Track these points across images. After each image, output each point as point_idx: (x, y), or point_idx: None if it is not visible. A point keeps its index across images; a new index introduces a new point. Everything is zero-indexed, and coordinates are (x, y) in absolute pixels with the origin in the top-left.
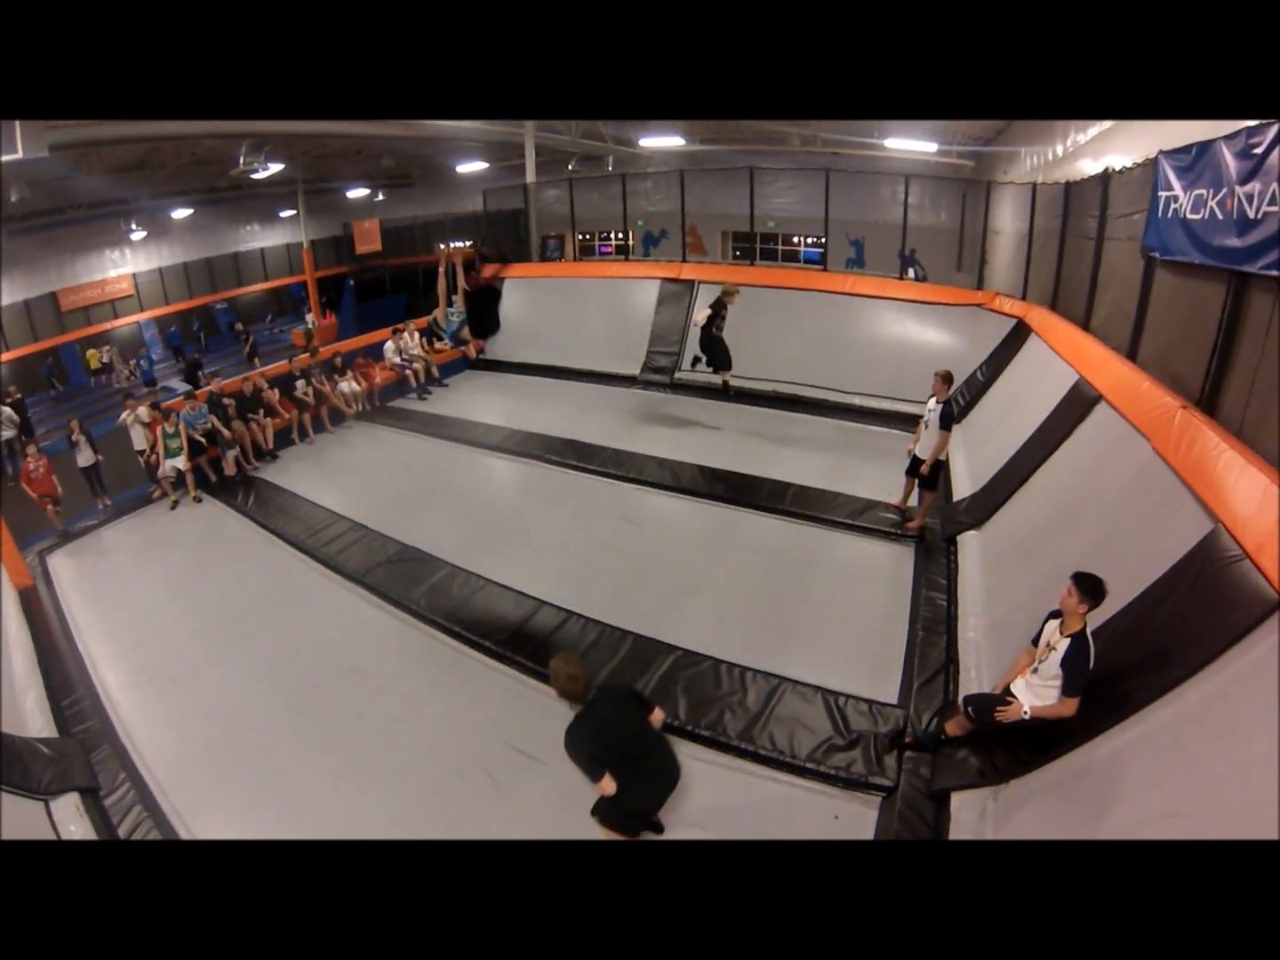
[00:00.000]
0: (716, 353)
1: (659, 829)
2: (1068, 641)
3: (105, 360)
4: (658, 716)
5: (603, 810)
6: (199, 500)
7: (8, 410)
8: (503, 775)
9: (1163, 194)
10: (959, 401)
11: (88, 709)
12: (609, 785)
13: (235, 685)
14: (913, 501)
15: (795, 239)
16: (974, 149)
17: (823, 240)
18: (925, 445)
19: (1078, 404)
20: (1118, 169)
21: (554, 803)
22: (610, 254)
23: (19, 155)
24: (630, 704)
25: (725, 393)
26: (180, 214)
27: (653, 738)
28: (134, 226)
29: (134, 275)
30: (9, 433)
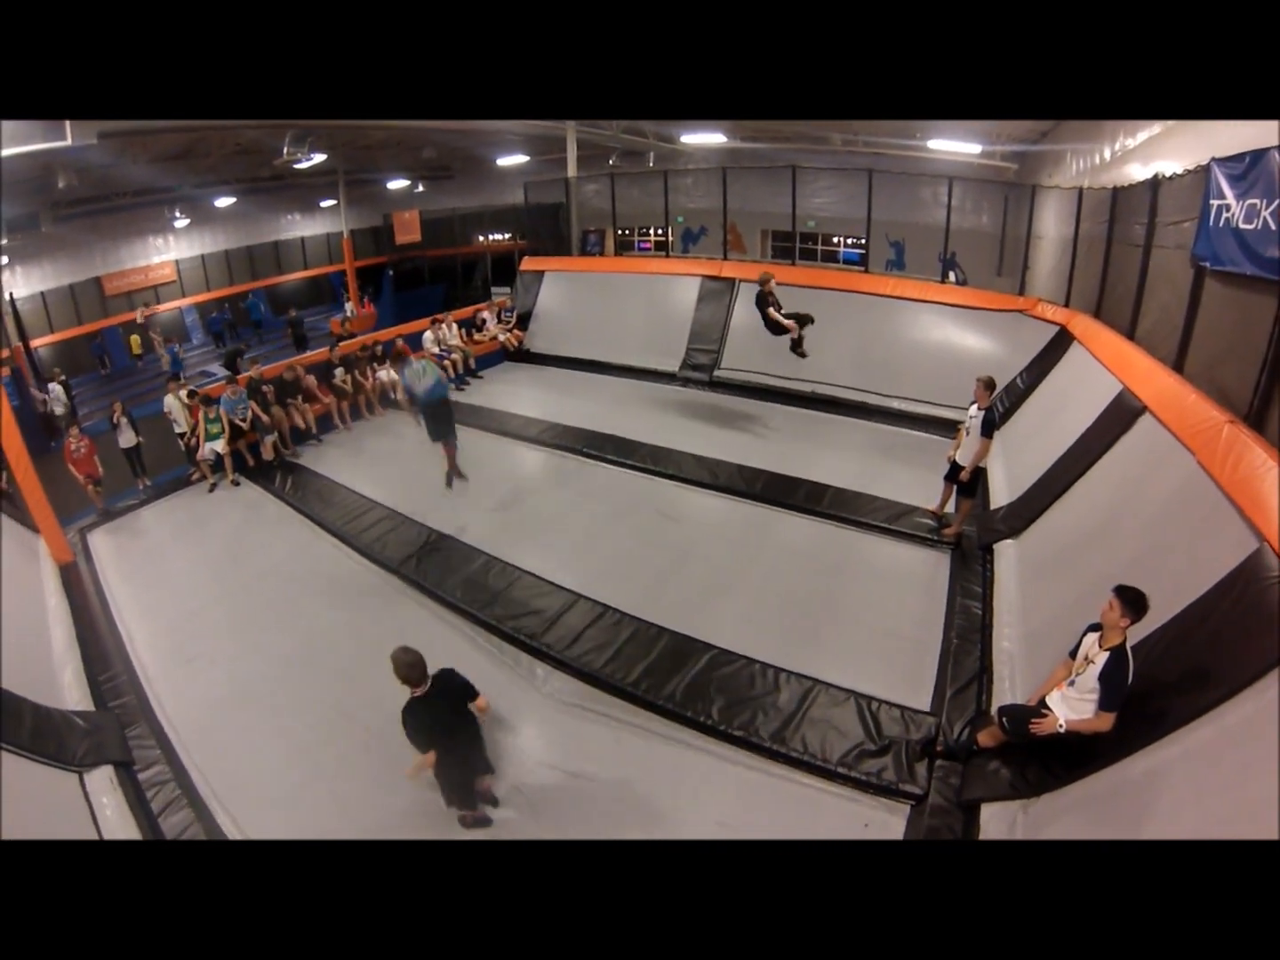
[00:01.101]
0: (781, 327)
1: (494, 802)
2: (1107, 655)
3: (144, 320)
4: (481, 703)
5: (453, 798)
6: (237, 483)
7: (58, 388)
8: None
9: (1214, 202)
10: (998, 408)
11: (124, 685)
12: (430, 760)
13: (269, 670)
14: (950, 508)
15: (835, 239)
16: (1020, 149)
17: (863, 241)
18: (965, 452)
19: (1121, 415)
20: (1168, 175)
21: (577, 795)
22: (649, 249)
23: (67, 142)
24: (460, 696)
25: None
26: (223, 202)
27: (473, 730)
28: (178, 214)
29: (176, 262)
30: (60, 409)
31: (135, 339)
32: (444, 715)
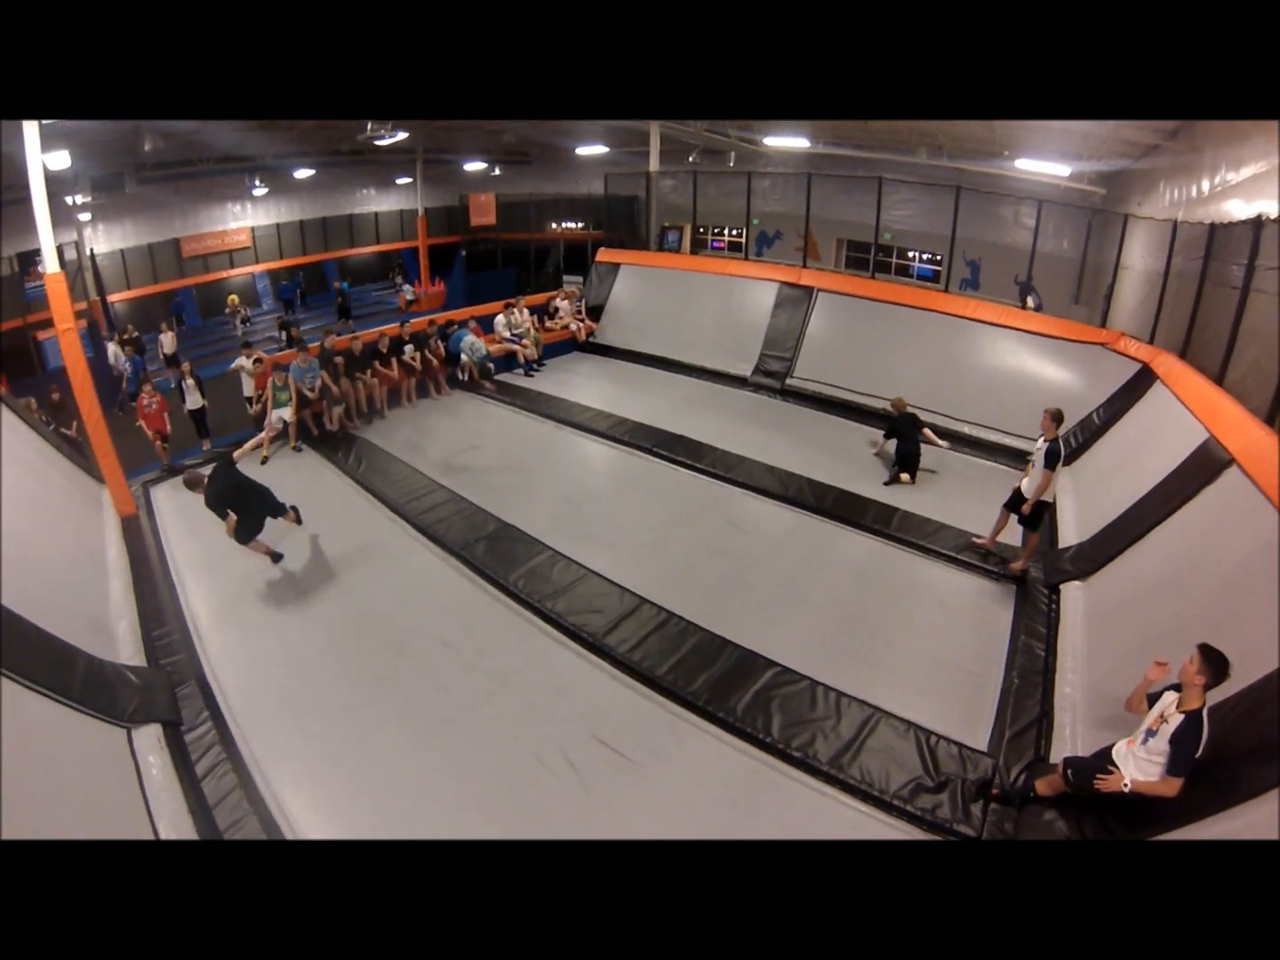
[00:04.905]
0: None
1: (298, 520)
2: (1182, 718)
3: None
4: (290, 518)
5: (240, 537)
6: (299, 450)
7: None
8: (584, 766)
9: None
10: (1071, 443)
11: (177, 643)
12: (233, 523)
13: (321, 641)
14: (1005, 539)
15: (910, 253)
16: (1113, 167)
17: (938, 257)
18: (1030, 483)
19: (1205, 464)
20: (1273, 216)
21: (632, 797)
22: (722, 249)
23: None
24: (241, 482)
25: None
26: (302, 173)
27: (257, 488)
28: (257, 182)
29: (252, 229)
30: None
31: (234, 298)
32: (227, 489)
